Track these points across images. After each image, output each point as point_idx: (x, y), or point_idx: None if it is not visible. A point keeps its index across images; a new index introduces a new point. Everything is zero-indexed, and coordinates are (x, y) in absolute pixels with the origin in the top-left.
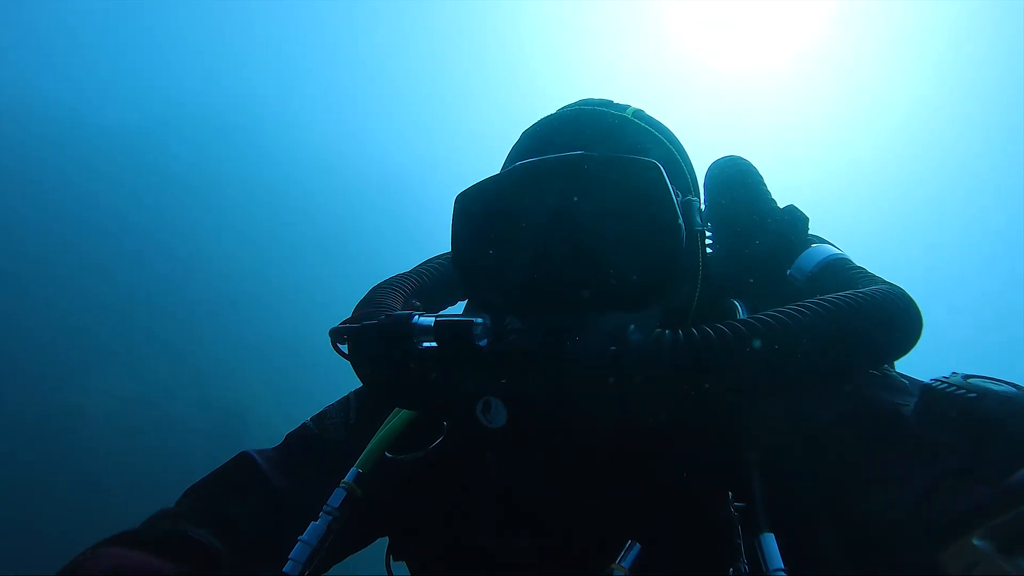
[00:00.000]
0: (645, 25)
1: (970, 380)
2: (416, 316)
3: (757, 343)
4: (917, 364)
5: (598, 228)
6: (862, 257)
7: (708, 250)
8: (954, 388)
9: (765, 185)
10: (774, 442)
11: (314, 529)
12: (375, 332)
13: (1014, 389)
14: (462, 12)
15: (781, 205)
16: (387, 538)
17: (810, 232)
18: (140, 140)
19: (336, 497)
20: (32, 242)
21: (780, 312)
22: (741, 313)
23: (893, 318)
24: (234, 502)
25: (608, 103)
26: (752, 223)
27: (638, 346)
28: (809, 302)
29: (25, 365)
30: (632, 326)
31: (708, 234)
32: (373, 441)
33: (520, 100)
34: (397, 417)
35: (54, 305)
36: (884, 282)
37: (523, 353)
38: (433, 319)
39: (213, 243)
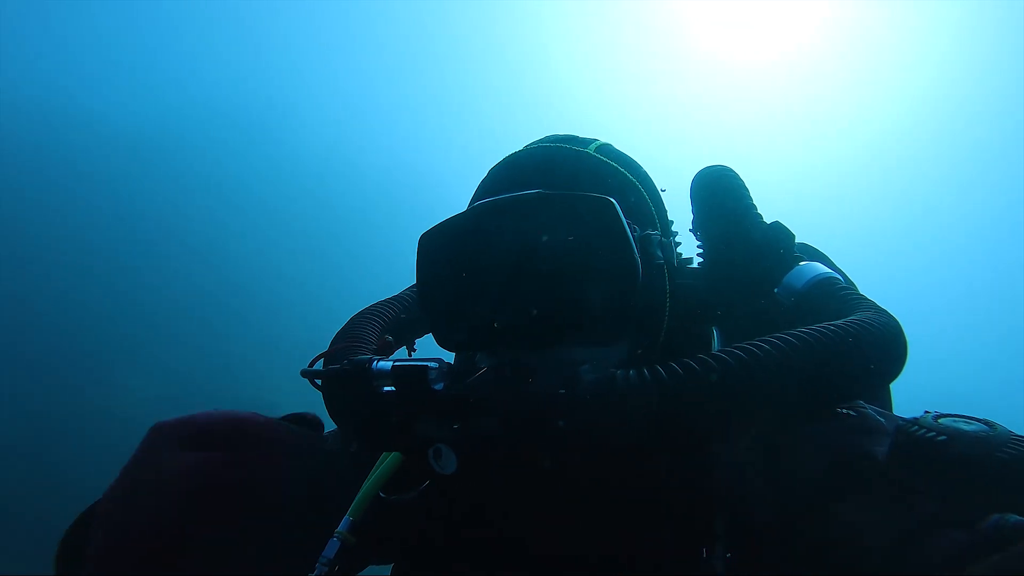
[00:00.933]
0: (651, 18)
1: (941, 421)
2: (375, 361)
3: (713, 382)
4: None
5: (555, 265)
6: (884, 253)
7: (695, 264)
8: (924, 431)
9: (750, 198)
10: (741, 489)
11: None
12: (335, 379)
13: (985, 428)
14: (475, 11)
15: (769, 219)
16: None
17: (807, 244)
18: (165, 139)
19: (331, 548)
20: (57, 242)
21: (744, 349)
22: (715, 341)
23: (869, 354)
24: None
25: (572, 139)
26: (734, 238)
27: (587, 389)
28: (780, 336)
29: (50, 365)
30: (586, 366)
31: (698, 247)
32: (365, 486)
33: (535, 100)
34: (390, 457)
35: (78, 305)
36: (872, 308)
37: (473, 398)
38: (391, 363)
39: (238, 242)
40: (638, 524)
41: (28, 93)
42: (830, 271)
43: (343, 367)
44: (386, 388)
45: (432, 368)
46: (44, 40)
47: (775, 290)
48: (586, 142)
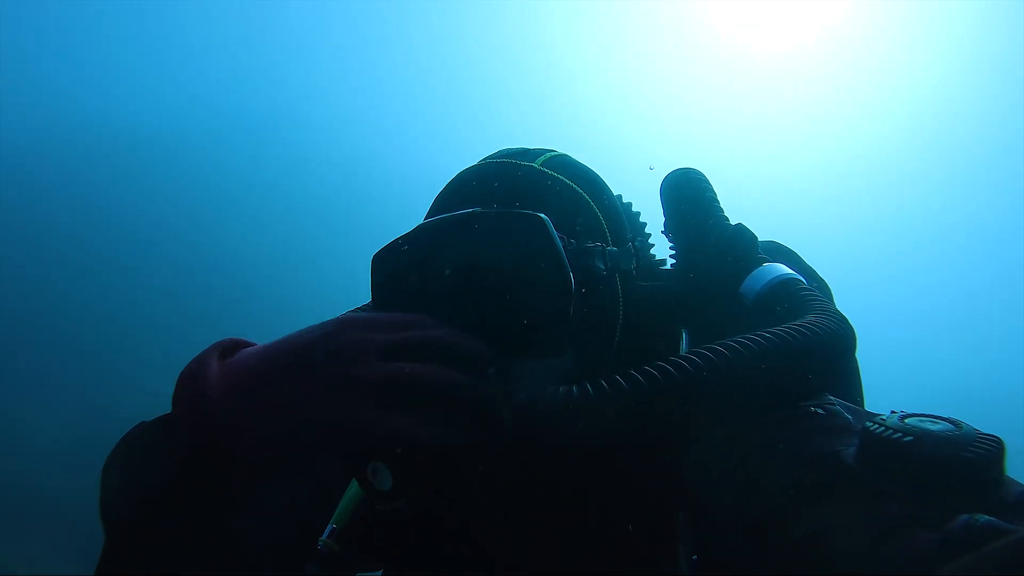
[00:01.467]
0: (660, 12)
1: (907, 420)
2: None
3: (621, 403)
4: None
5: (489, 284)
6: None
7: (667, 266)
8: (890, 431)
9: (716, 200)
10: (698, 497)
11: None
12: None
13: (952, 427)
14: (485, 12)
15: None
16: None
17: (779, 244)
18: (175, 142)
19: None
20: (66, 249)
21: (657, 367)
22: (684, 343)
23: (798, 359)
24: None
25: (523, 152)
26: (698, 240)
27: (517, 407)
28: (710, 349)
29: (66, 371)
30: (523, 382)
31: (670, 248)
32: (348, 494)
33: (546, 99)
34: None
35: (95, 311)
36: (819, 310)
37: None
38: None
39: (250, 247)
40: (589, 530)
41: (34, 96)
42: (790, 272)
43: None
44: None
45: None
46: (52, 45)
47: (739, 290)
48: (535, 155)
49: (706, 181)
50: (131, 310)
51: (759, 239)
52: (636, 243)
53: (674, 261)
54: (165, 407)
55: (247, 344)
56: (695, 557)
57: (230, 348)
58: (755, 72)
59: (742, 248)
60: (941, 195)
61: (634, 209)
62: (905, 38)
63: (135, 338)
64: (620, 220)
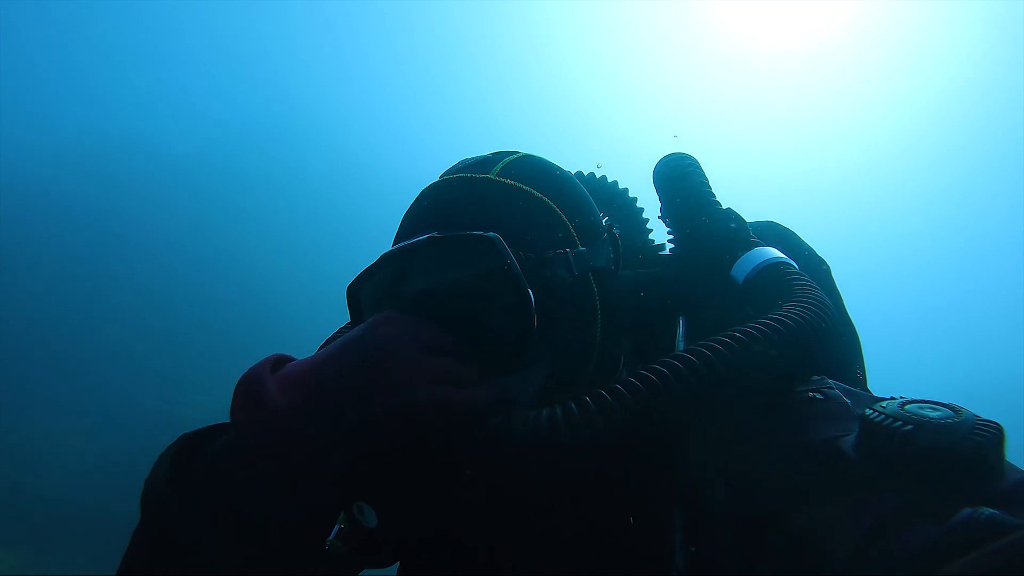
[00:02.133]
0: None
1: (907, 407)
2: None
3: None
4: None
5: (452, 306)
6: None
7: (665, 251)
8: (890, 420)
9: (708, 185)
10: (694, 491)
11: None
12: None
13: (952, 414)
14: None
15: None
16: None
17: (776, 224)
18: (218, 165)
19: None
20: (120, 267)
21: (651, 373)
22: (680, 332)
23: (792, 347)
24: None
25: (482, 162)
26: (689, 225)
27: (486, 433)
28: (675, 359)
29: (124, 380)
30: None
31: (668, 233)
32: None
33: (556, 99)
34: None
35: (149, 324)
36: (800, 296)
37: (387, 461)
38: None
39: (294, 261)
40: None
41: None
42: (779, 256)
43: None
44: None
45: None
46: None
47: (731, 274)
48: (494, 162)
49: (697, 166)
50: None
51: (755, 220)
52: (616, 231)
53: (672, 246)
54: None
55: (290, 359)
56: (692, 549)
57: (278, 362)
58: (761, 67)
59: (732, 233)
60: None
61: (631, 195)
62: (906, 40)
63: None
64: (590, 216)
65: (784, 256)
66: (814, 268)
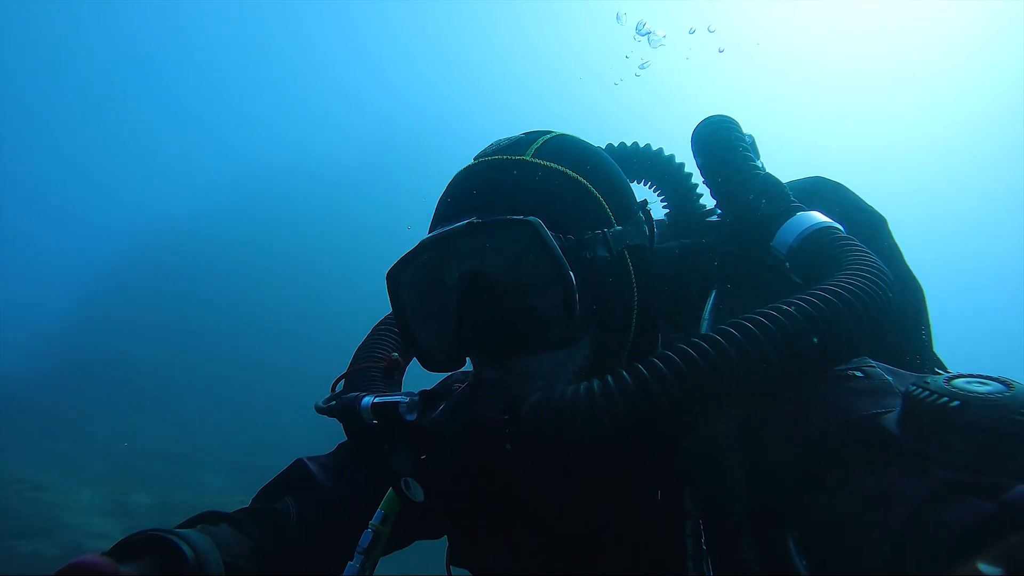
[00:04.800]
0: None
1: (953, 383)
2: (364, 399)
3: (641, 405)
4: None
5: (495, 288)
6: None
7: (714, 217)
8: (936, 395)
9: (747, 149)
10: (726, 468)
11: (350, 568)
12: (336, 417)
13: (1002, 388)
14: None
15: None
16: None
17: (825, 180)
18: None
19: (365, 538)
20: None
21: (688, 354)
22: (710, 306)
23: (844, 322)
24: (285, 499)
25: (517, 143)
26: (728, 192)
27: (527, 413)
28: (734, 329)
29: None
30: (541, 382)
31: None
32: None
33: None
34: None
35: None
36: (863, 261)
37: (433, 431)
38: (371, 400)
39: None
40: (607, 511)
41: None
42: (823, 221)
43: (336, 406)
44: (374, 420)
45: (403, 403)
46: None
47: (771, 243)
48: (528, 143)
49: (736, 129)
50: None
51: (802, 178)
52: (648, 208)
53: (720, 211)
54: None
55: None
56: (702, 525)
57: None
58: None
59: (772, 199)
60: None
61: (678, 161)
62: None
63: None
64: (624, 194)
65: (828, 220)
66: (867, 226)
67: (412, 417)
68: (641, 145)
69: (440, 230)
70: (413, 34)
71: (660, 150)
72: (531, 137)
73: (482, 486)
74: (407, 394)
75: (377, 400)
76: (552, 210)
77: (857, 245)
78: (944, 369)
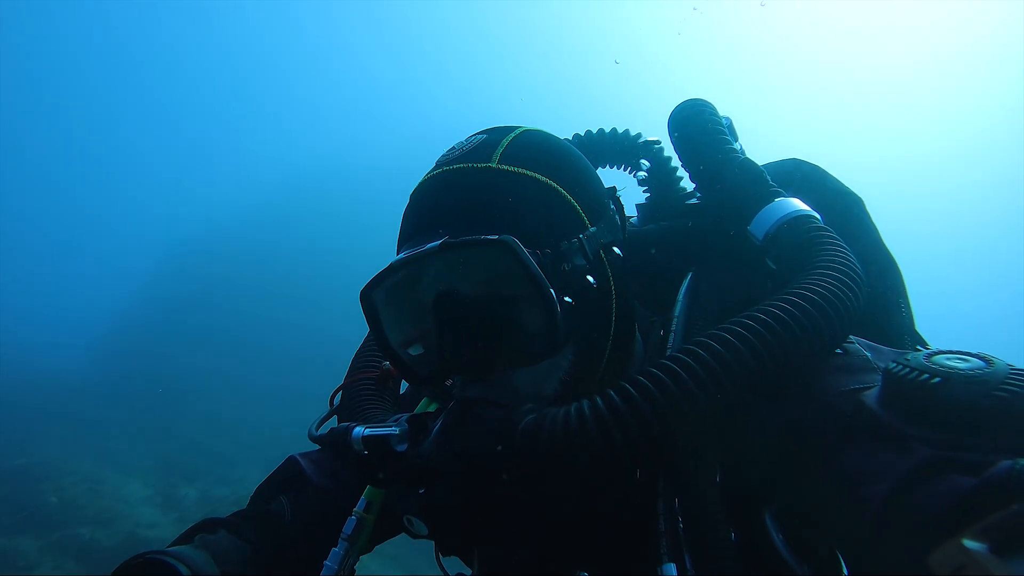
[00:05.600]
0: None
1: (934, 359)
2: (354, 430)
3: (632, 426)
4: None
5: (473, 306)
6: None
7: (694, 200)
8: (916, 373)
9: (725, 133)
10: (709, 460)
11: (333, 555)
12: (329, 447)
13: (981, 364)
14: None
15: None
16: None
17: (805, 165)
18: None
19: (349, 525)
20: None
21: (671, 372)
22: (683, 292)
23: (819, 326)
24: (281, 498)
25: (480, 146)
26: (707, 177)
27: (520, 441)
28: (712, 342)
29: None
30: (529, 405)
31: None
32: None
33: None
34: None
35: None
36: (836, 259)
37: (427, 465)
38: (363, 433)
39: None
40: (602, 526)
41: None
42: (802, 209)
43: (328, 438)
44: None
45: (393, 435)
46: None
47: (748, 227)
48: (492, 145)
49: (713, 113)
50: None
51: (779, 160)
52: (617, 195)
53: (699, 194)
54: None
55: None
56: (677, 503)
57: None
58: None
59: (750, 183)
60: None
61: (657, 145)
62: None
63: None
64: (595, 190)
65: (806, 208)
66: (843, 209)
67: (403, 448)
68: (619, 131)
69: (411, 251)
70: (470, 37)
71: (639, 135)
72: (494, 138)
73: (483, 515)
74: (395, 420)
75: (367, 433)
76: (525, 224)
77: (832, 238)
78: (925, 345)
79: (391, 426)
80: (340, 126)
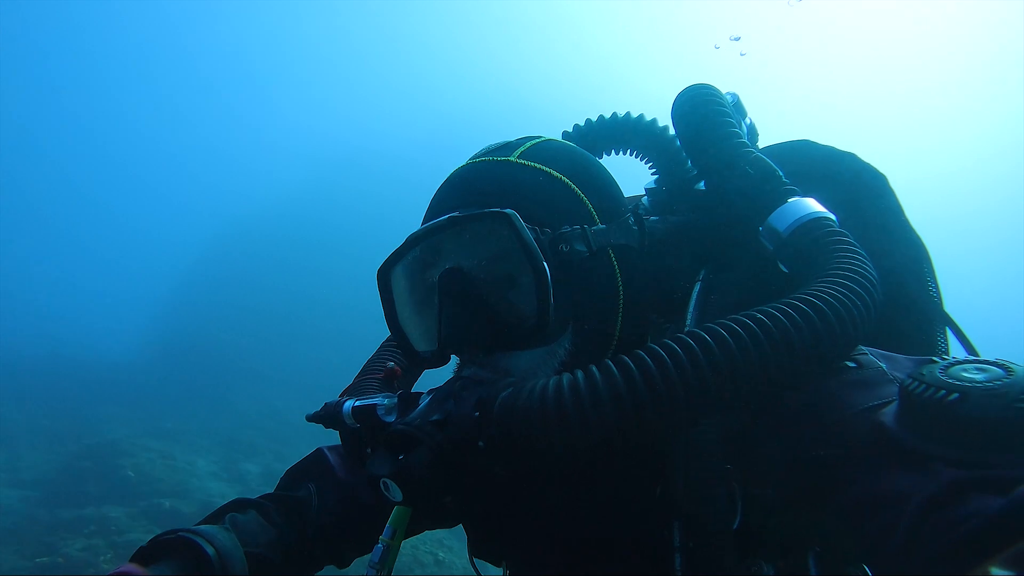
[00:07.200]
0: None
1: (950, 372)
2: (346, 403)
3: (608, 405)
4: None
5: (474, 285)
6: None
7: (701, 185)
8: (933, 390)
9: (735, 124)
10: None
11: None
12: (323, 421)
13: (1001, 374)
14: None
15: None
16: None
17: (831, 151)
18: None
19: (376, 553)
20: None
21: (684, 346)
22: (696, 292)
23: (832, 328)
24: (305, 488)
25: (504, 146)
26: (716, 173)
27: (499, 409)
28: (706, 337)
29: None
30: (511, 379)
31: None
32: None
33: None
34: None
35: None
36: (851, 261)
37: (407, 433)
38: (352, 405)
39: None
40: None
41: None
42: (818, 211)
43: (322, 412)
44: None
45: (381, 405)
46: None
47: (760, 228)
48: (515, 146)
49: (719, 99)
50: None
51: (789, 141)
52: (641, 212)
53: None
54: None
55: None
56: (691, 544)
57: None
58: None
59: (763, 182)
60: None
61: (660, 125)
62: None
63: None
64: (612, 197)
65: (822, 210)
66: (861, 195)
67: (391, 419)
68: (634, 116)
69: (423, 226)
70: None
71: (654, 120)
72: (520, 141)
73: (462, 484)
74: (386, 396)
75: (357, 404)
76: (529, 204)
77: (846, 242)
78: (954, 325)
79: (380, 399)
80: (383, 114)
